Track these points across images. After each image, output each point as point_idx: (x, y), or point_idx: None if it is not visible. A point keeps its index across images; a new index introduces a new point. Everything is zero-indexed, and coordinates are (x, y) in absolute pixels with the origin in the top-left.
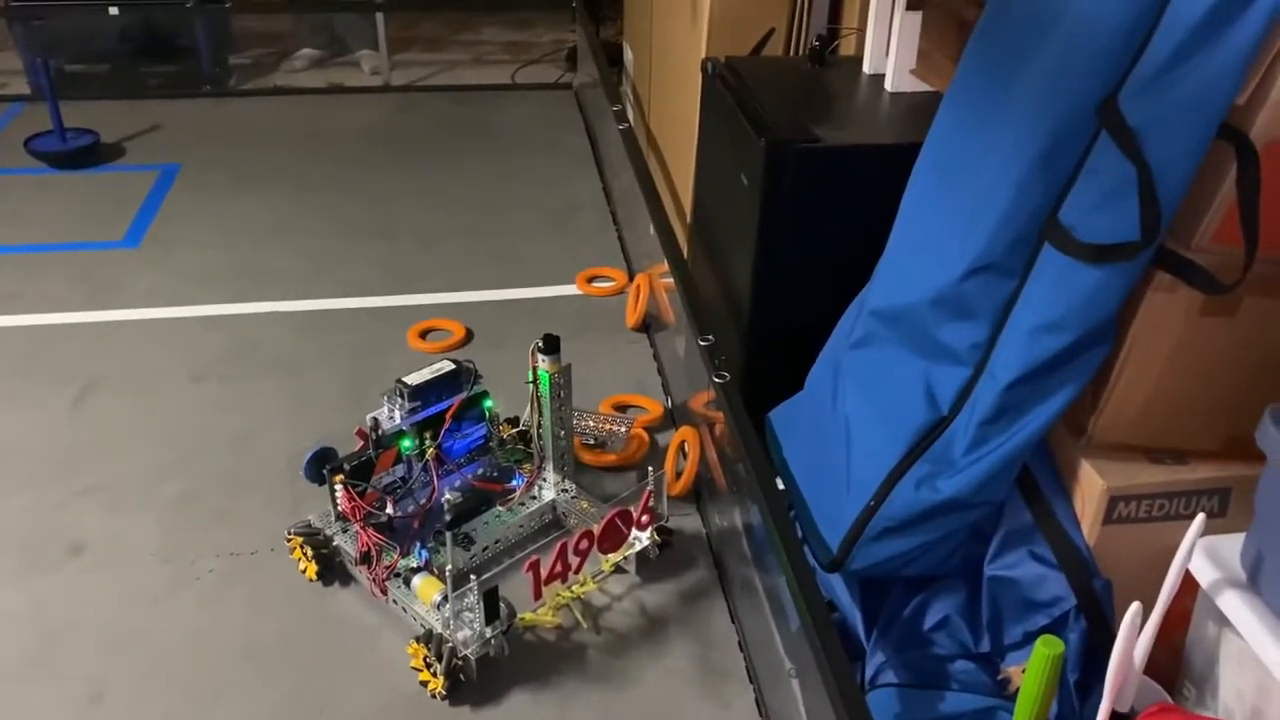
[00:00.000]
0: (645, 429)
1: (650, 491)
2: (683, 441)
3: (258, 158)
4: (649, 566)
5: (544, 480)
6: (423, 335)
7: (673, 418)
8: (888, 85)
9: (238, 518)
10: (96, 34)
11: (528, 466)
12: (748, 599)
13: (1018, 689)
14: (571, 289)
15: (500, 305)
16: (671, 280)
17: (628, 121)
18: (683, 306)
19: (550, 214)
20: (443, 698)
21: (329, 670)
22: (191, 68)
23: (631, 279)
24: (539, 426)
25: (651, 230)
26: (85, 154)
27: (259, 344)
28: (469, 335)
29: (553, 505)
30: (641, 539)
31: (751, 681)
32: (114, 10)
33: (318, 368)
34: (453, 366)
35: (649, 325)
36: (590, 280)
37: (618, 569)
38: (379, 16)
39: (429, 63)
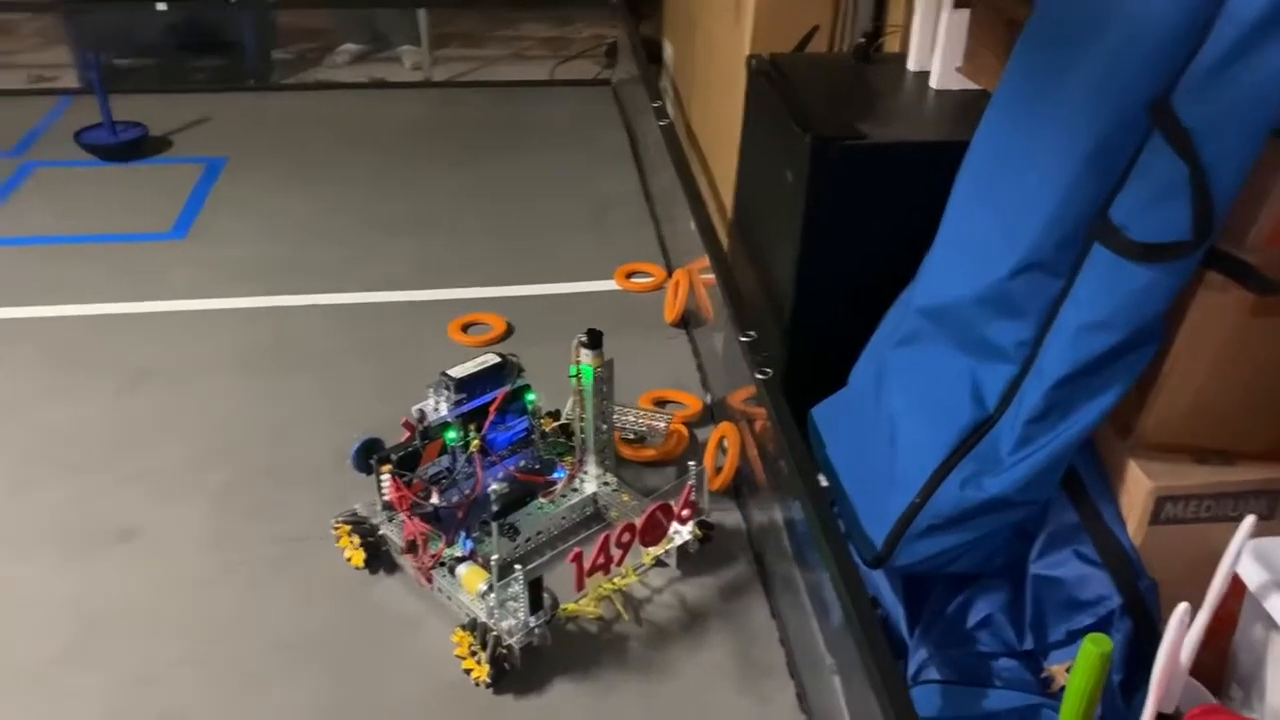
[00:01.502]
0: (684, 424)
1: (691, 486)
2: (722, 437)
3: (301, 151)
4: (689, 560)
5: (585, 473)
6: (464, 329)
7: (711, 413)
8: (933, 83)
9: (281, 506)
10: (145, 29)
11: (569, 459)
12: (788, 595)
13: (1061, 688)
14: (610, 284)
15: (540, 300)
16: (711, 276)
17: (668, 117)
18: (723, 302)
19: (589, 209)
20: (487, 685)
21: (375, 656)
22: (236, 62)
23: (670, 275)
24: (581, 420)
25: (691, 226)
26: (133, 147)
27: (302, 336)
28: (509, 329)
29: (594, 498)
30: (682, 533)
31: (792, 677)
32: (162, 6)
33: (359, 360)
34: (497, 360)
35: (688, 321)
36: (629, 276)
37: (658, 562)
38: (420, 12)
39: (469, 58)
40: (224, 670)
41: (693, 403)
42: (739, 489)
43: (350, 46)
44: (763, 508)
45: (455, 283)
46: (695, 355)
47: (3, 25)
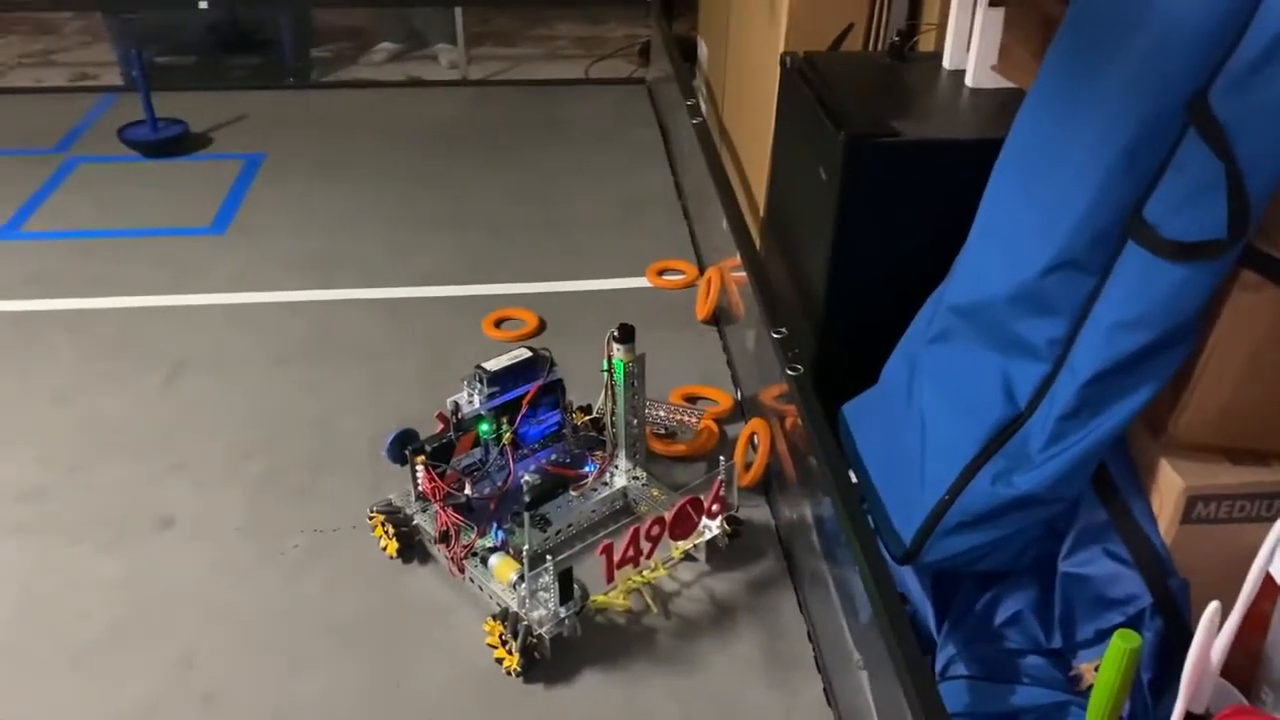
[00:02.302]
0: (714, 421)
1: (721, 481)
2: (753, 433)
3: (338, 148)
4: (718, 555)
5: (616, 467)
6: (497, 324)
7: (742, 410)
8: (968, 81)
9: (319, 496)
10: (186, 27)
11: (600, 453)
12: (817, 590)
13: (1089, 686)
14: (642, 281)
15: (572, 296)
16: (742, 274)
17: (701, 115)
18: (755, 299)
19: (622, 207)
20: (517, 674)
21: (408, 645)
22: (275, 60)
23: (702, 272)
24: (612, 414)
25: (724, 223)
26: (175, 143)
27: (339, 329)
28: (542, 325)
29: (624, 492)
30: (711, 528)
31: (820, 672)
32: (203, 5)
33: (395, 354)
34: (530, 354)
35: (719, 318)
36: (661, 273)
37: (688, 556)
38: (457, 11)
39: (505, 57)
40: (262, 655)
41: (723, 399)
42: (769, 485)
43: (387, 45)
44: (792, 504)
45: (489, 278)
46: (726, 352)
47: (48, 24)
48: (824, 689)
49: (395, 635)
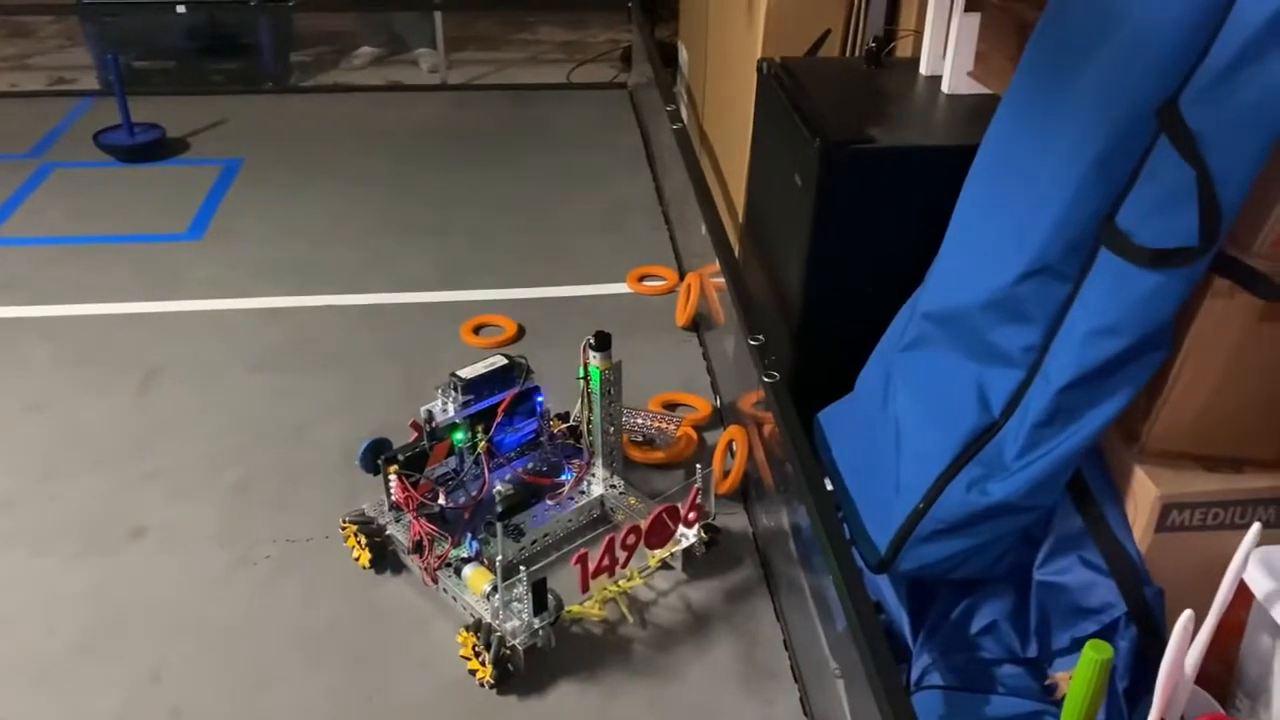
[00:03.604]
0: (694, 428)
1: (698, 489)
2: (731, 440)
3: (317, 153)
4: (694, 564)
5: (593, 475)
6: (475, 331)
7: (721, 417)
8: (944, 87)
9: (294, 506)
10: (164, 31)
11: (577, 462)
12: (793, 599)
13: (1065, 695)
14: (622, 287)
15: (551, 302)
16: (722, 280)
17: (681, 121)
18: (733, 306)
19: (602, 213)
20: (490, 686)
21: (381, 656)
22: (254, 65)
23: (682, 278)
24: (589, 422)
25: (703, 230)
26: (151, 148)
27: (316, 336)
28: (520, 331)
29: (601, 500)
30: (688, 536)
31: (796, 681)
32: (181, 9)
33: (372, 361)
34: (505, 361)
35: (699, 325)
36: (641, 279)
37: (664, 565)
38: (437, 15)
39: (485, 61)
40: (232, 668)
41: (702, 406)
42: (746, 492)
43: (367, 49)
44: (770, 512)
45: (468, 284)
46: (706, 359)
47: (23, 27)
48: (800, 699)
49: (367, 647)
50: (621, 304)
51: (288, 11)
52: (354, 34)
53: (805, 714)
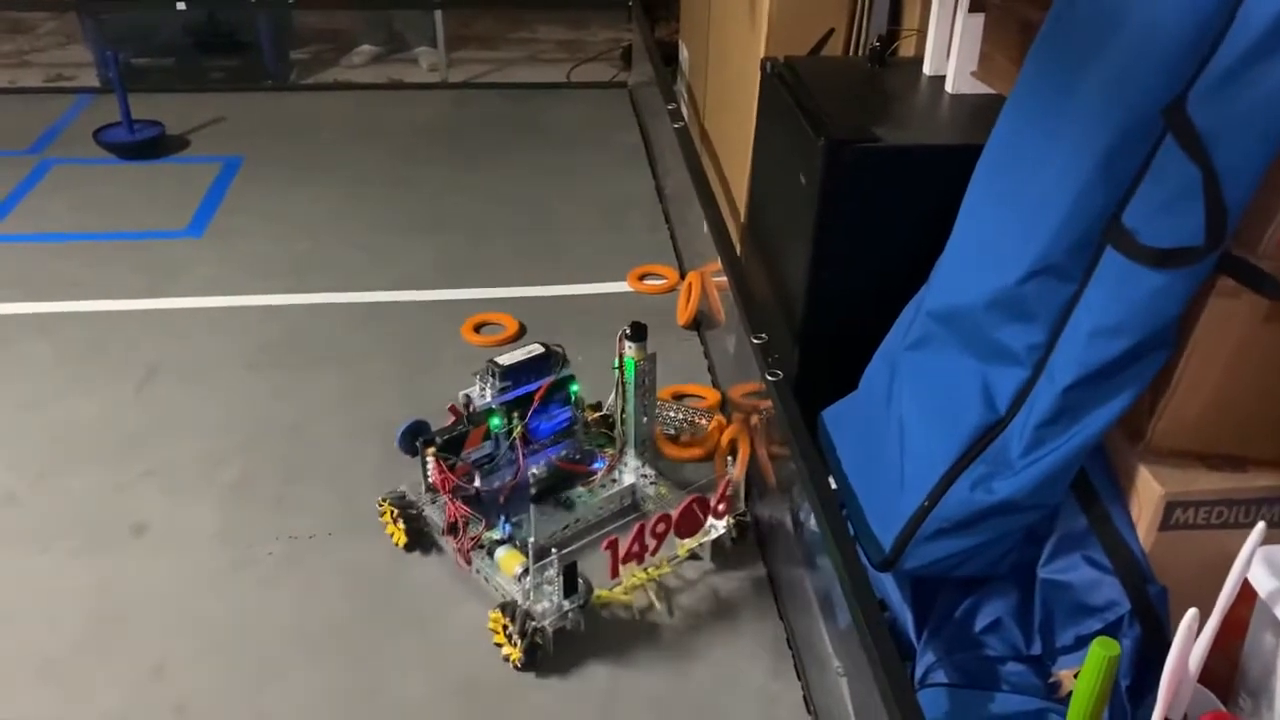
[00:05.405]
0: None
1: (729, 481)
2: (732, 439)
3: (317, 151)
4: (724, 555)
5: (624, 464)
6: (477, 329)
7: (725, 411)
8: (948, 87)
9: (293, 503)
10: (163, 29)
11: (609, 451)
12: (797, 597)
13: (1068, 693)
14: (623, 286)
15: (552, 301)
16: (723, 279)
17: (682, 120)
18: (736, 304)
19: (603, 211)
20: (519, 666)
21: (384, 652)
22: (254, 62)
23: (683, 277)
24: (622, 412)
25: (704, 228)
26: (151, 145)
27: (316, 334)
28: (522, 329)
29: (632, 489)
30: (718, 527)
31: (799, 678)
32: (181, 5)
33: (372, 359)
34: (542, 350)
35: (700, 323)
36: (642, 278)
37: (693, 555)
38: (437, 14)
39: (485, 60)
40: (235, 664)
41: (710, 394)
42: (749, 491)
43: (367, 48)
44: (773, 510)
45: (469, 283)
46: (707, 358)
47: (23, 24)
48: (803, 696)
49: (371, 642)
50: (622, 303)
51: (287, 9)
52: (354, 32)
53: (809, 712)
